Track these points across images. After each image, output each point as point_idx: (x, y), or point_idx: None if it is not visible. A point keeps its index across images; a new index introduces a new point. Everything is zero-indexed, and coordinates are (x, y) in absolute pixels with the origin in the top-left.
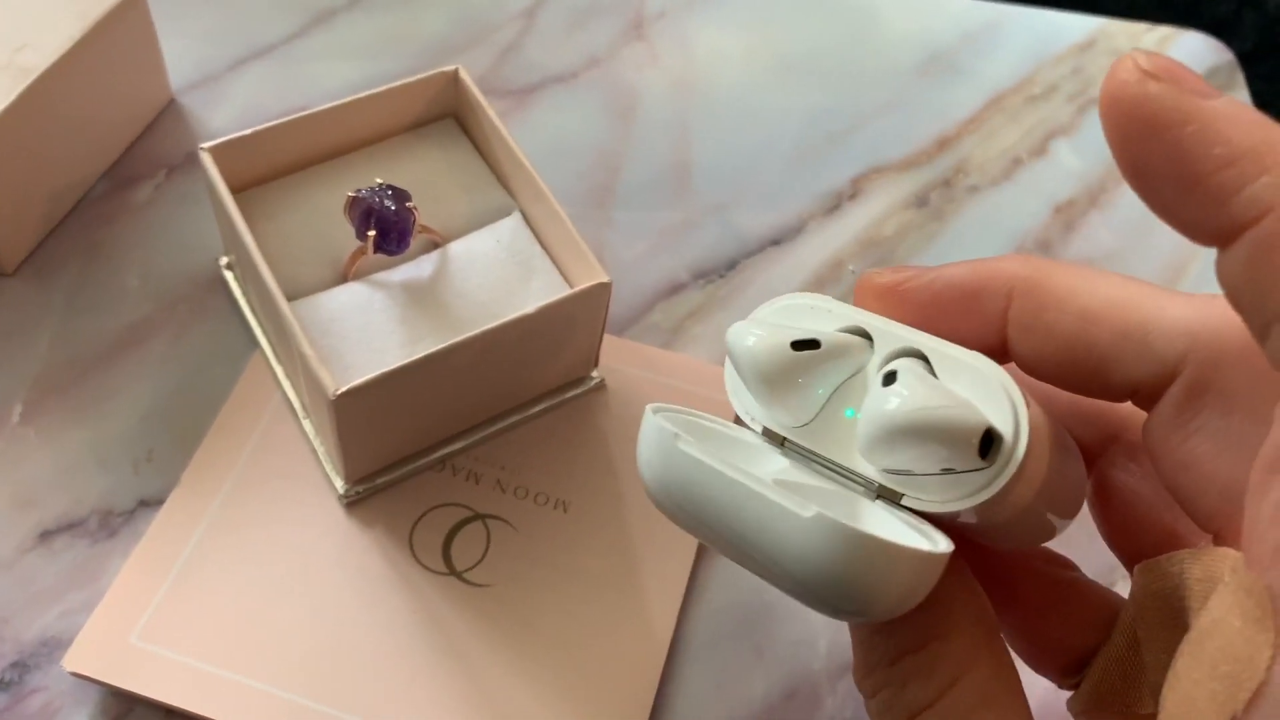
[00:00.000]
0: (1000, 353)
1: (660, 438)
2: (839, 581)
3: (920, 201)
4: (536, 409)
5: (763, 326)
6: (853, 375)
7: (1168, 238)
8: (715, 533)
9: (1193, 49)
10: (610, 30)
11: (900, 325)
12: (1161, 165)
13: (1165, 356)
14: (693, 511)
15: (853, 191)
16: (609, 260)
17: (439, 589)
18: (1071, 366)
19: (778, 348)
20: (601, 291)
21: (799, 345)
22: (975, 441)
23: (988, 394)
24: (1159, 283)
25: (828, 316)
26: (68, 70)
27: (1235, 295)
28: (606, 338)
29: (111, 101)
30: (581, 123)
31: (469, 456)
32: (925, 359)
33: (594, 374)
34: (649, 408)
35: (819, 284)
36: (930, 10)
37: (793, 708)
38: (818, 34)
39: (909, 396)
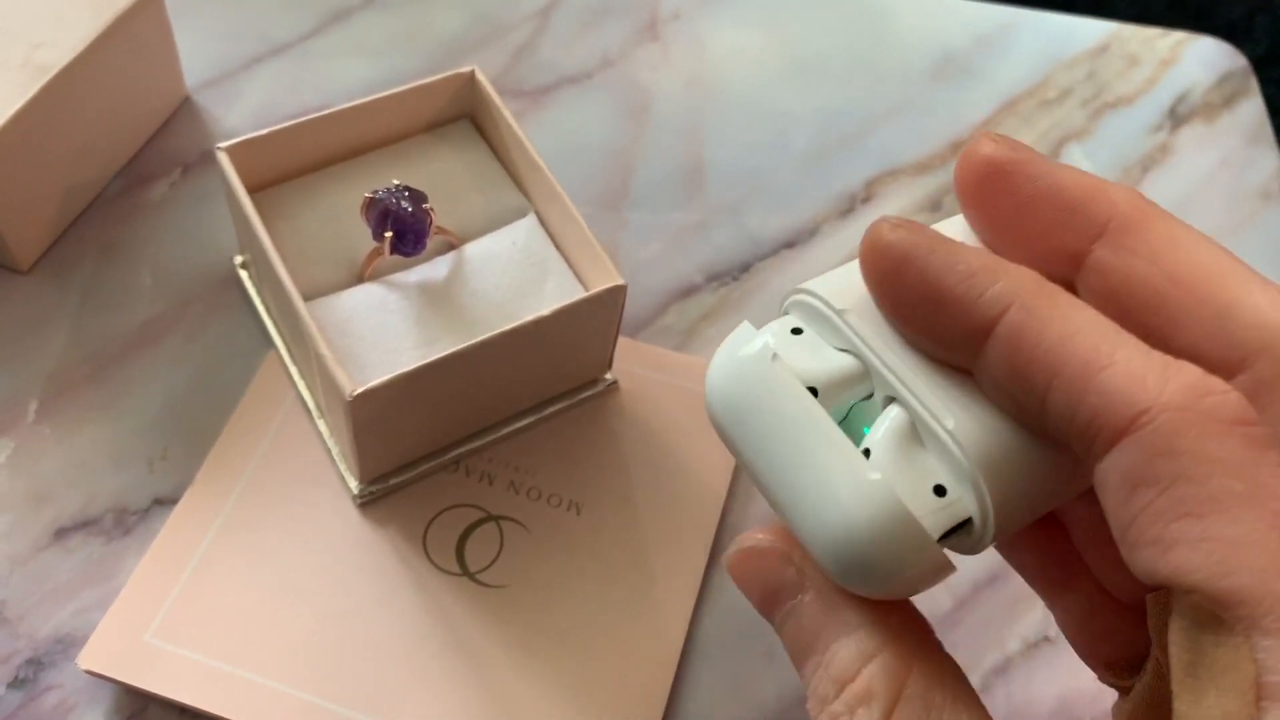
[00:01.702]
0: (1071, 272)
1: (759, 350)
2: (872, 546)
3: (933, 205)
4: (550, 410)
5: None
6: (865, 398)
7: None
8: (765, 457)
9: (1206, 54)
10: (624, 31)
11: (899, 359)
12: (916, 288)
13: (1241, 343)
14: (754, 427)
15: (866, 194)
16: (622, 261)
17: (452, 590)
18: (1138, 316)
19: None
20: (616, 294)
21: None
22: (936, 538)
23: (959, 476)
24: None
25: (833, 333)
26: (84, 68)
27: (1004, 387)
28: (620, 339)
29: (127, 99)
30: (595, 123)
31: (483, 457)
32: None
33: (608, 376)
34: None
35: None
36: (943, 13)
37: (805, 713)
38: (831, 36)
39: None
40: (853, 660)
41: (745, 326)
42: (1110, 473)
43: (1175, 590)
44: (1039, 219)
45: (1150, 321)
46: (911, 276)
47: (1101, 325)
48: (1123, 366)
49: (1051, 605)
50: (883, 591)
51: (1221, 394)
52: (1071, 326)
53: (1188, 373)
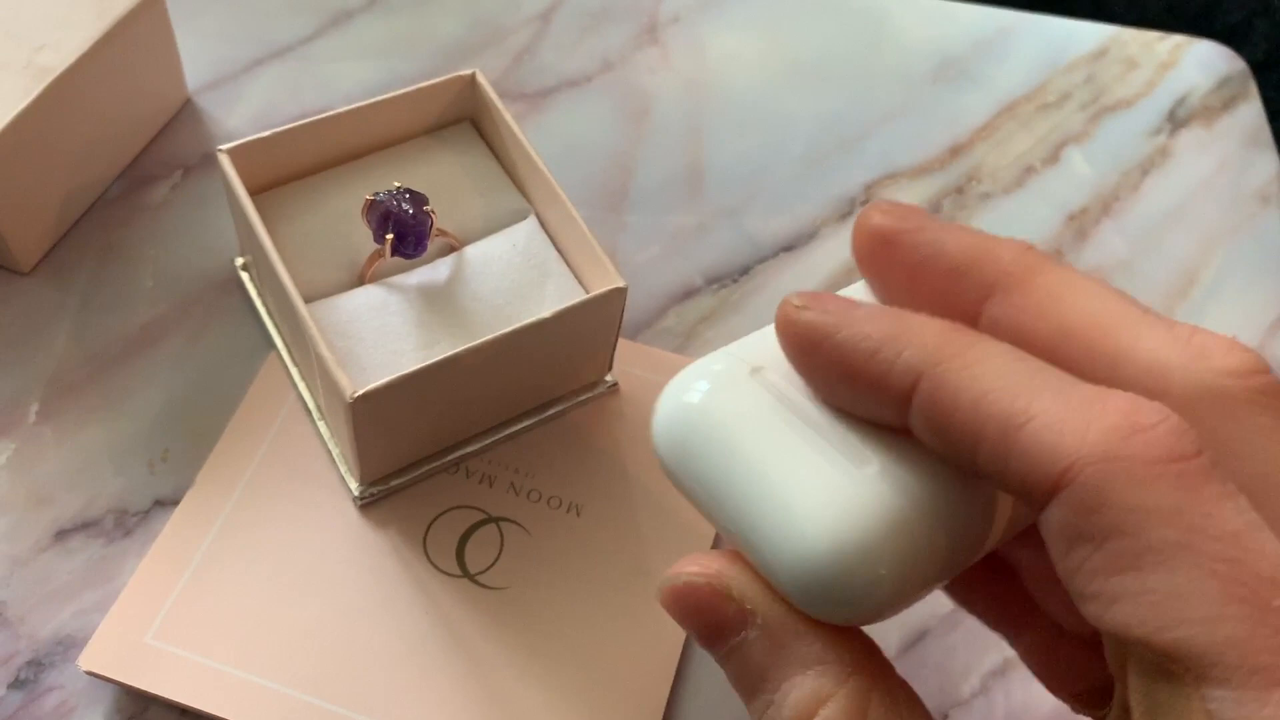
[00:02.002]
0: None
1: (730, 369)
2: (861, 554)
3: (933, 208)
4: (550, 412)
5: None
6: None
7: (1180, 246)
8: (731, 480)
9: (1205, 58)
10: (624, 34)
11: (817, 410)
12: (831, 368)
13: (1137, 388)
14: (720, 448)
15: (866, 197)
16: (622, 263)
17: (452, 591)
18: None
19: None
20: (617, 296)
21: None
22: None
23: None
24: (1172, 291)
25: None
26: (86, 70)
27: (937, 450)
28: (620, 341)
29: (129, 101)
30: (595, 126)
31: (483, 459)
32: None
33: (608, 378)
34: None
35: (832, 290)
36: (942, 17)
37: None
38: (831, 39)
39: None
40: (807, 701)
41: (688, 367)
42: (1049, 527)
43: (1126, 641)
44: (929, 285)
45: None
46: (823, 357)
47: (1017, 373)
48: (1041, 420)
49: (1012, 643)
50: (860, 612)
51: (1150, 428)
52: (984, 385)
53: (1112, 409)
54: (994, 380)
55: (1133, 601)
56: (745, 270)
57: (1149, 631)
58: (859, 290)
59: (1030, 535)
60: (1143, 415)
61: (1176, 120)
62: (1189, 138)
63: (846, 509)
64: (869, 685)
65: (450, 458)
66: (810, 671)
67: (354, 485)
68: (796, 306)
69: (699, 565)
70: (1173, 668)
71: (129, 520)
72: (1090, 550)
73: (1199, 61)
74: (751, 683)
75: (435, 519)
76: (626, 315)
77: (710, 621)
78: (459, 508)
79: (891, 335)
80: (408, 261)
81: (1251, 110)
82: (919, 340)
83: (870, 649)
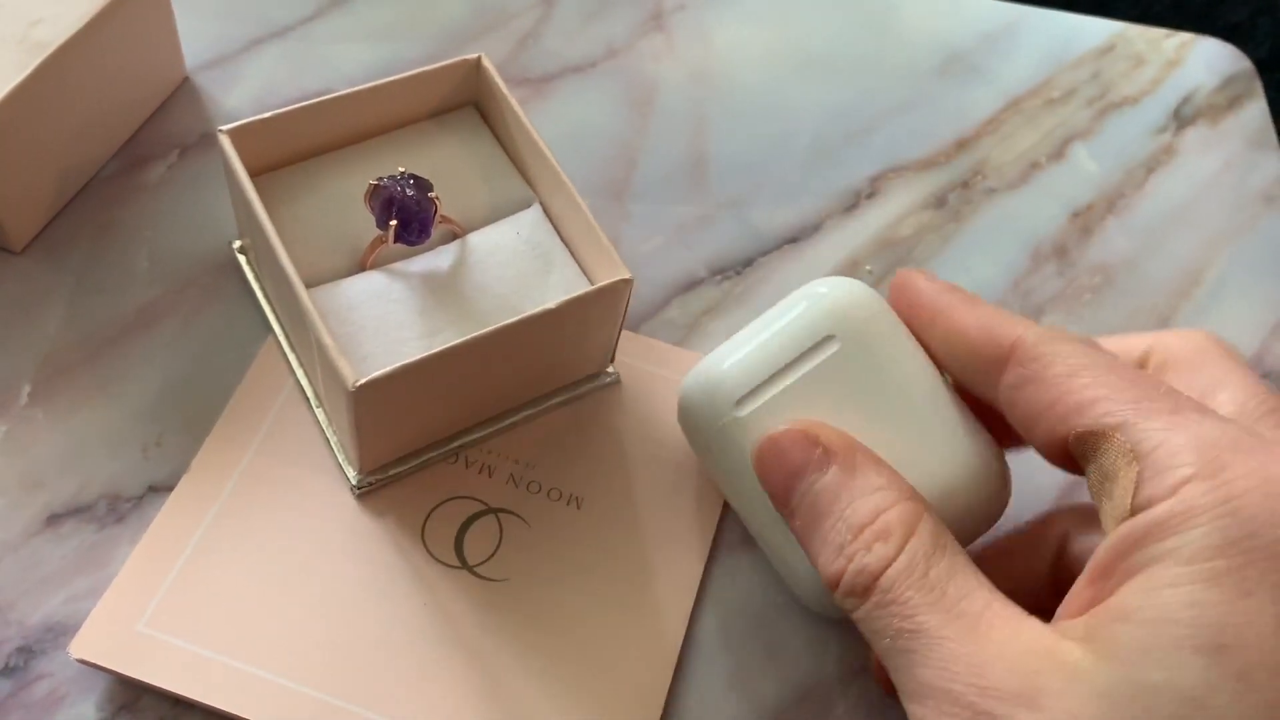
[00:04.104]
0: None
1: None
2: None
3: (938, 203)
4: (551, 403)
5: None
6: None
7: (1184, 245)
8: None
9: (1211, 55)
10: (629, 20)
11: None
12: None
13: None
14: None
15: (871, 191)
16: (624, 253)
17: (450, 582)
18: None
19: None
20: (623, 288)
21: None
22: None
23: None
24: (1175, 291)
25: None
26: (82, 46)
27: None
28: (623, 332)
29: (125, 79)
30: (598, 113)
31: (483, 449)
32: None
33: (610, 369)
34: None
35: None
36: (949, 10)
37: (805, 711)
38: (837, 30)
39: None
40: (870, 511)
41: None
42: (1008, 384)
43: (1074, 441)
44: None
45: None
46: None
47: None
48: (1017, 326)
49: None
50: None
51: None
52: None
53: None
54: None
55: (1070, 407)
56: (749, 262)
57: (1088, 422)
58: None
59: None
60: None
61: (1182, 118)
62: (1194, 136)
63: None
64: (922, 508)
65: (449, 447)
66: (876, 493)
67: (352, 474)
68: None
69: (792, 422)
70: (1098, 429)
71: (122, 506)
72: (1035, 390)
73: (1205, 60)
74: (820, 512)
75: (434, 509)
76: (629, 306)
77: (796, 461)
78: (458, 498)
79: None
80: (410, 248)
81: (1257, 110)
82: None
83: (921, 497)
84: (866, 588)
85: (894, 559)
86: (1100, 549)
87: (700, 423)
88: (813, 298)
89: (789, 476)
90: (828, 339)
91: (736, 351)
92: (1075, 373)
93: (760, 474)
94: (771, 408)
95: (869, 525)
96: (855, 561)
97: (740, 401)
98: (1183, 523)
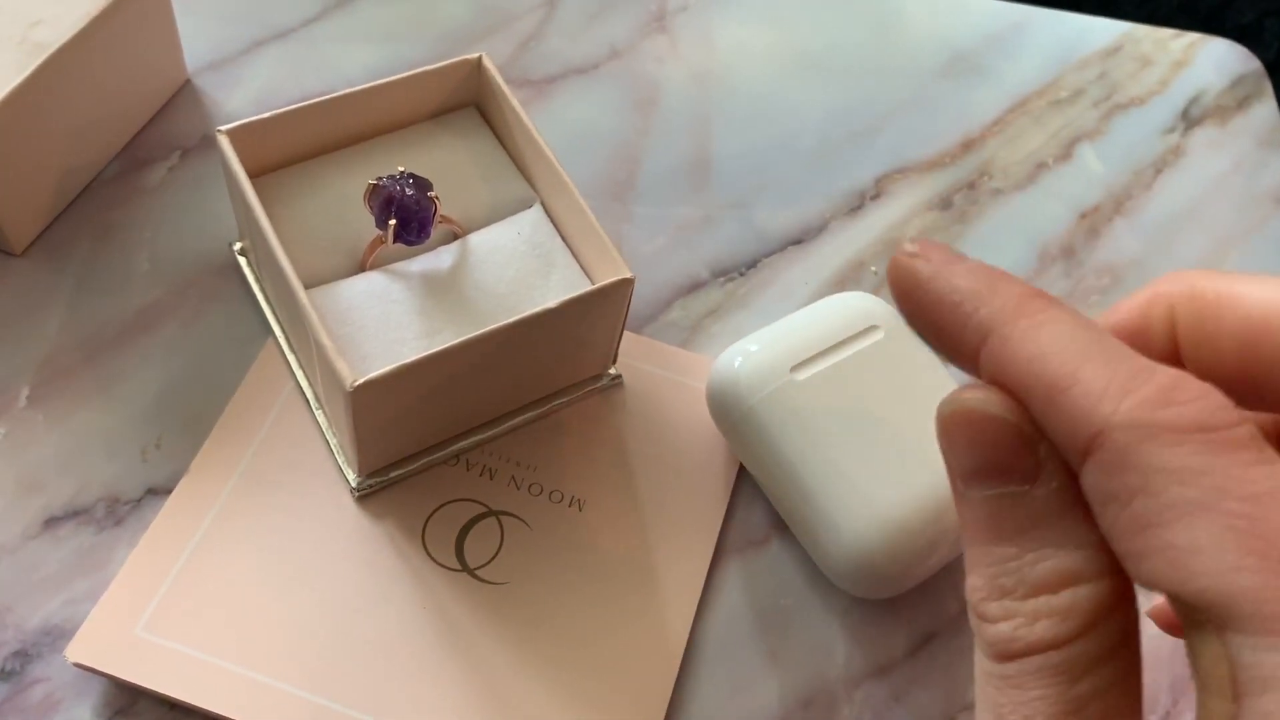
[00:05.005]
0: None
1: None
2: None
3: (944, 203)
4: (554, 405)
5: None
6: None
7: (1192, 246)
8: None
9: (1220, 56)
10: (631, 21)
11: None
12: (922, 313)
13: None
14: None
15: (875, 191)
16: (626, 255)
17: (451, 585)
18: (1244, 379)
19: None
20: (624, 287)
21: None
22: None
23: None
24: None
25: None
26: (83, 48)
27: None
28: (625, 334)
29: (126, 81)
30: (601, 115)
31: (484, 452)
32: None
33: (612, 371)
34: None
35: (840, 285)
36: (955, 10)
37: (809, 716)
38: (841, 31)
39: None
40: (1061, 575)
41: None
42: (1085, 488)
43: (1162, 594)
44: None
45: (1255, 375)
46: (916, 303)
47: (1075, 340)
48: (1082, 388)
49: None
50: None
51: (1185, 403)
52: (1040, 348)
53: (1153, 383)
54: (1051, 344)
55: (1158, 557)
56: (752, 263)
57: (1174, 585)
58: None
59: None
60: (1181, 390)
61: (1190, 119)
62: (1203, 137)
63: None
64: (1123, 593)
65: (450, 449)
66: (1080, 552)
67: (352, 476)
68: (907, 253)
69: (1010, 405)
70: (1198, 617)
71: (120, 508)
72: (1119, 510)
73: (1213, 60)
74: (1000, 533)
75: (434, 512)
76: (631, 307)
77: (996, 461)
78: (459, 500)
79: (976, 291)
80: (410, 248)
81: (1266, 110)
82: (999, 300)
83: (1131, 590)
84: (1006, 656)
85: (1052, 648)
86: None
87: (745, 390)
88: (856, 296)
89: (987, 470)
90: (872, 328)
91: (789, 324)
92: (1183, 518)
93: (945, 441)
94: (819, 380)
95: (1049, 593)
96: (1010, 625)
97: (796, 368)
98: None
